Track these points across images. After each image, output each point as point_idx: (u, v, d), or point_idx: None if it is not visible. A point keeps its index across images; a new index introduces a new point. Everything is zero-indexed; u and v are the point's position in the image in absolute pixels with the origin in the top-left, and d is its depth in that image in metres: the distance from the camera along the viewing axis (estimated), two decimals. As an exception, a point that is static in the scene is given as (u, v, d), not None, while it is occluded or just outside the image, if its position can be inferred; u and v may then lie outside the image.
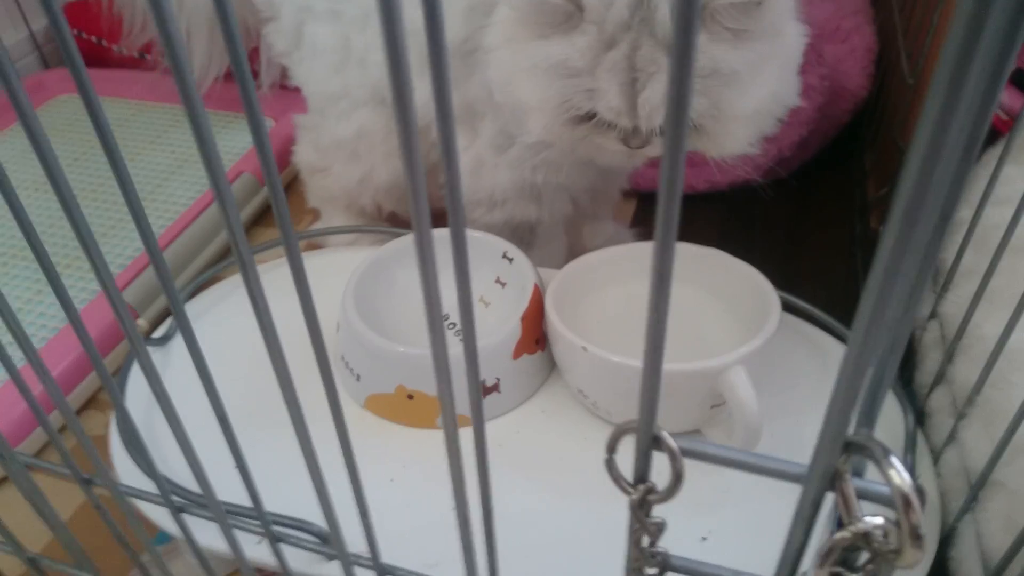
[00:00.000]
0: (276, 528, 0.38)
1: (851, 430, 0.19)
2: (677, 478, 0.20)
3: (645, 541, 0.22)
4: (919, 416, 0.52)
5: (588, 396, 0.50)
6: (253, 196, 0.86)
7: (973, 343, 0.49)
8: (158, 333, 0.59)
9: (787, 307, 0.55)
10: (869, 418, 0.18)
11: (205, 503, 0.37)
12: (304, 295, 0.26)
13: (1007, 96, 0.73)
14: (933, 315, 0.56)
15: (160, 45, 0.93)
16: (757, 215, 0.86)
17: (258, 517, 0.35)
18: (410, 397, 0.50)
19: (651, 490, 0.20)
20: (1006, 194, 0.55)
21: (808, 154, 0.87)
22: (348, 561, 0.34)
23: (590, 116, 0.50)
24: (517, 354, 0.51)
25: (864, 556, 0.19)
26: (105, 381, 0.32)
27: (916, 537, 0.17)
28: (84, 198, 0.85)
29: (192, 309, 0.62)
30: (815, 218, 0.86)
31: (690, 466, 0.51)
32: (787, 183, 0.86)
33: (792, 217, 0.85)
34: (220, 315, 0.61)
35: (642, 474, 0.20)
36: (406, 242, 0.58)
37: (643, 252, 0.58)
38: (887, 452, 0.17)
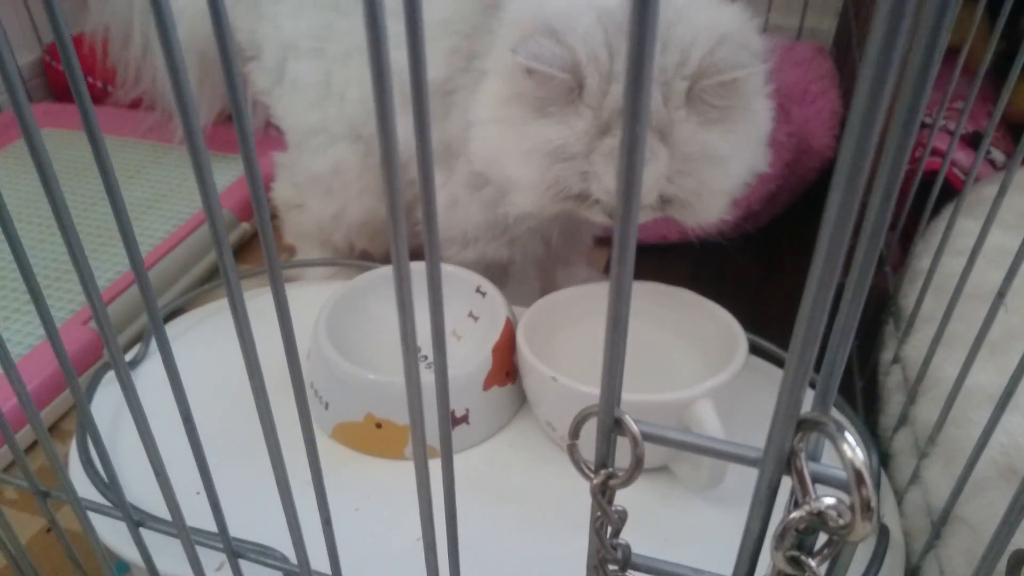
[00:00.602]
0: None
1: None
2: (638, 463, 0.20)
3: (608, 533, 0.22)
4: (883, 458, 0.52)
5: (557, 429, 0.50)
6: (230, 232, 0.87)
7: (934, 385, 0.50)
8: (126, 358, 0.59)
9: (755, 350, 0.55)
10: (824, 399, 0.18)
11: (165, 521, 0.37)
12: (284, 320, 0.26)
13: (963, 156, 0.76)
14: (896, 359, 0.57)
15: (151, 93, 0.94)
16: (728, 265, 0.87)
17: (219, 532, 0.34)
18: (378, 426, 0.50)
19: (612, 475, 0.20)
20: (965, 245, 0.57)
21: (777, 209, 0.90)
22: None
23: (581, 195, 0.51)
24: (487, 385, 0.51)
25: (821, 541, 0.19)
26: (74, 390, 0.32)
27: (867, 509, 0.17)
28: (54, 231, 0.84)
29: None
30: (784, 269, 0.87)
31: (659, 502, 0.51)
32: (756, 237, 0.88)
33: (762, 268, 0.87)
34: (183, 345, 0.61)
35: (604, 458, 0.20)
36: (381, 273, 0.58)
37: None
38: (841, 427, 0.17)
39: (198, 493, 0.42)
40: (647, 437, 0.20)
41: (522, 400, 0.55)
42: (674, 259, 0.87)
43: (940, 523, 0.42)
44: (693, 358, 0.55)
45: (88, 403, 0.55)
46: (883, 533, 0.45)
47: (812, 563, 0.19)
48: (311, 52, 0.66)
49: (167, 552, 0.41)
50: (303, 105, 0.67)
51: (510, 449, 0.52)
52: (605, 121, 0.48)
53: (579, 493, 0.50)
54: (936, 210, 0.61)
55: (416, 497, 0.49)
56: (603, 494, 0.21)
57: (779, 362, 0.58)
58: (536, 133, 0.49)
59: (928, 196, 0.58)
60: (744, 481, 0.49)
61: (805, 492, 0.18)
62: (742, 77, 0.47)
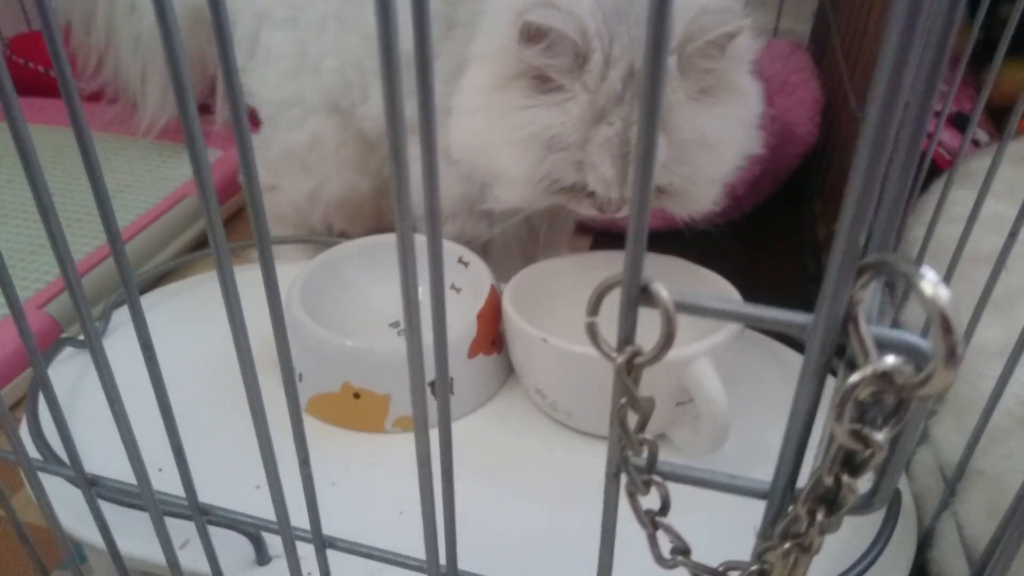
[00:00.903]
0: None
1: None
2: (669, 337, 0.17)
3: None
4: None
5: (547, 396, 0.47)
6: (197, 220, 0.83)
7: (938, 346, 0.48)
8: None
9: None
10: (884, 242, 0.16)
11: (124, 483, 0.34)
12: (271, 286, 0.24)
13: (947, 136, 0.75)
14: (895, 325, 0.55)
15: (113, 84, 0.90)
16: (713, 254, 0.86)
17: (184, 489, 0.31)
18: (356, 396, 0.47)
19: (638, 352, 0.18)
20: (958, 213, 0.56)
21: (761, 196, 0.88)
22: (289, 535, 0.30)
23: (574, 187, 0.49)
24: (472, 353, 0.48)
25: (882, 417, 0.17)
26: (30, 350, 0.30)
27: (951, 356, 0.14)
28: (16, 217, 0.81)
29: (119, 317, 0.58)
30: (769, 256, 0.86)
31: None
32: (740, 223, 0.87)
33: (746, 255, 0.86)
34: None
35: (628, 334, 0.18)
36: (357, 244, 0.55)
37: (602, 260, 0.56)
38: (915, 263, 0.15)
39: (160, 470, 0.39)
40: (681, 307, 0.18)
41: (508, 372, 0.52)
42: (660, 247, 0.85)
43: (956, 478, 0.40)
44: (690, 325, 0.52)
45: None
46: (894, 497, 0.42)
47: (878, 437, 0.16)
48: (285, 21, 0.63)
49: (127, 532, 0.38)
50: (277, 77, 0.65)
51: (498, 420, 0.49)
52: (601, 107, 0.46)
53: (569, 464, 0.47)
54: (923, 188, 0.61)
55: (396, 470, 0.46)
56: (628, 374, 0.18)
57: (776, 335, 0.57)
58: (529, 120, 0.46)
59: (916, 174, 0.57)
60: (742, 457, 0.46)
61: (866, 352, 0.16)
62: (730, 34, 0.45)
